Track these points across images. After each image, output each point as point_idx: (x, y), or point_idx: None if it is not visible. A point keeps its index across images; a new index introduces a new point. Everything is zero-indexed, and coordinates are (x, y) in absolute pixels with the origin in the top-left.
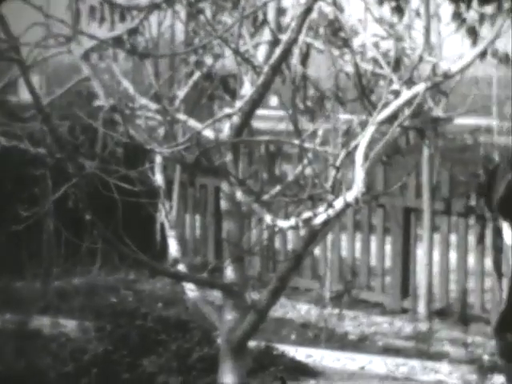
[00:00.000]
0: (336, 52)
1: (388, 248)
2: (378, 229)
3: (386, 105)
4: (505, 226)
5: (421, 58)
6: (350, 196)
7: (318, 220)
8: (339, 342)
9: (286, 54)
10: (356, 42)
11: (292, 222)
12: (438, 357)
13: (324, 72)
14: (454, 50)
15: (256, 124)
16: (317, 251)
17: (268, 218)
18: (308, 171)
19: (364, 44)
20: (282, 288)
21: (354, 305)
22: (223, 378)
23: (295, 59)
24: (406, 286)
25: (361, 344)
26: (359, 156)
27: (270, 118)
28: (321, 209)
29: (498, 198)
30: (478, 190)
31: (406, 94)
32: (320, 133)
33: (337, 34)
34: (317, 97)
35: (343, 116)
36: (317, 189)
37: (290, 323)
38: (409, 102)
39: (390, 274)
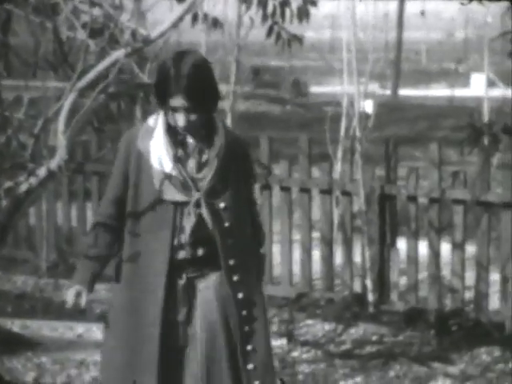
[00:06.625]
0: (37, 19)
1: None
2: (94, 196)
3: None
4: None
5: (116, 24)
6: (53, 164)
7: (21, 189)
8: (56, 311)
9: None
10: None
11: None
12: None
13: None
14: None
15: None
16: (32, 221)
17: None
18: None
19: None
20: None
21: (70, 274)
22: None
23: None
24: None
25: (78, 312)
26: (60, 123)
27: None
28: (22, 178)
29: None
30: None
31: (105, 61)
32: (26, 100)
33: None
34: (21, 64)
35: (58, 84)
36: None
37: (5, 295)
38: (112, 68)
39: None
